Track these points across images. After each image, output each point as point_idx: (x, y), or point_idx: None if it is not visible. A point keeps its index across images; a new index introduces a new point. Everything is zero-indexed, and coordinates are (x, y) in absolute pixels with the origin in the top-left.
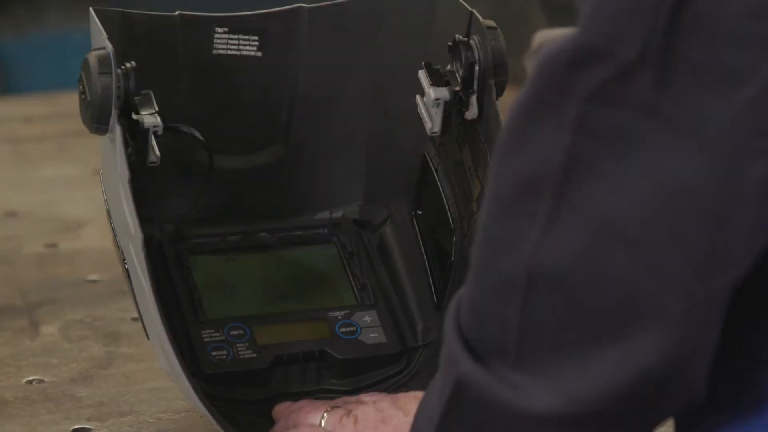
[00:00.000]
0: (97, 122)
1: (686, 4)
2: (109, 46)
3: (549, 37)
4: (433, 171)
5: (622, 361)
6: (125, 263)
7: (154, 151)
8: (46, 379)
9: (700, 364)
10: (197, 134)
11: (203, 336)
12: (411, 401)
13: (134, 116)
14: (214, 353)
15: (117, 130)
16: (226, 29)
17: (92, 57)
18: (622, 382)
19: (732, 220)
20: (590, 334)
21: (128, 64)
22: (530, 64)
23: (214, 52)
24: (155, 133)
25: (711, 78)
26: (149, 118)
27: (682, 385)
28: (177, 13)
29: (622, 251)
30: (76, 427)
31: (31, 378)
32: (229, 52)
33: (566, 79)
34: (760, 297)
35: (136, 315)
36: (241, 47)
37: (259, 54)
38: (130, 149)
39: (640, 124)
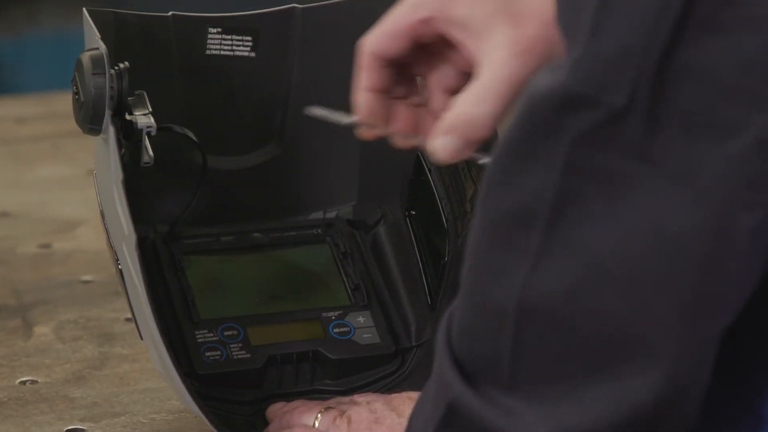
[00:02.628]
0: (90, 123)
1: (674, 53)
2: (103, 47)
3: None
4: (427, 171)
5: (616, 396)
6: (119, 264)
7: (147, 152)
8: (39, 380)
9: (694, 400)
10: (191, 134)
11: (197, 336)
12: (405, 402)
13: (128, 117)
14: (207, 353)
15: (110, 131)
16: (220, 29)
17: (85, 57)
18: (616, 417)
19: (723, 268)
20: (584, 367)
21: (122, 65)
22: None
23: (208, 52)
24: (149, 134)
25: (702, 127)
26: (143, 118)
27: (676, 419)
28: (170, 13)
29: (612, 290)
30: (70, 427)
31: (24, 378)
32: (222, 52)
33: (554, 122)
34: (759, 323)
35: (129, 315)
36: (234, 48)
37: (253, 54)
38: (123, 150)
39: (630, 168)
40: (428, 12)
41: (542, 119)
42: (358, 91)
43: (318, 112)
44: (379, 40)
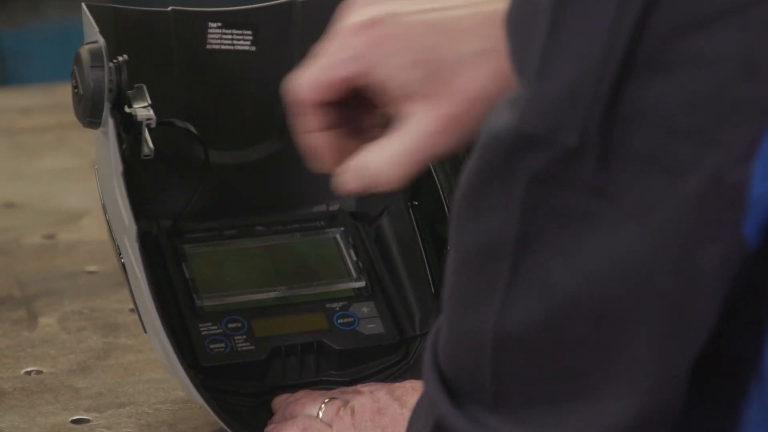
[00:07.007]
0: (89, 116)
1: (622, 94)
2: (101, 40)
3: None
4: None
5: (596, 420)
6: (121, 257)
7: (147, 144)
8: (44, 370)
9: (670, 422)
10: (192, 129)
11: (201, 329)
12: (408, 392)
13: (127, 109)
14: (212, 346)
15: (110, 124)
16: (220, 24)
17: (84, 51)
18: None
19: (689, 301)
20: (563, 391)
21: (120, 58)
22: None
23: (208, 47)
24: (148, 126)
25: (654, 166)
26: (142, 111)
27: None
28: (170, 8)
29: (582, 323)
30: (75, 417)
31: (29, 369)
32: (222, 47)
33: (509, 162)
34: (735, 353)
35: (134, 307)
36: (234, 42)
37: (253, 49)
38: (124, 144)
39: (587, 205)
40: (350, 71)
41: (497, 160)
42: (309, 135)
43: None
44: (310, 90)
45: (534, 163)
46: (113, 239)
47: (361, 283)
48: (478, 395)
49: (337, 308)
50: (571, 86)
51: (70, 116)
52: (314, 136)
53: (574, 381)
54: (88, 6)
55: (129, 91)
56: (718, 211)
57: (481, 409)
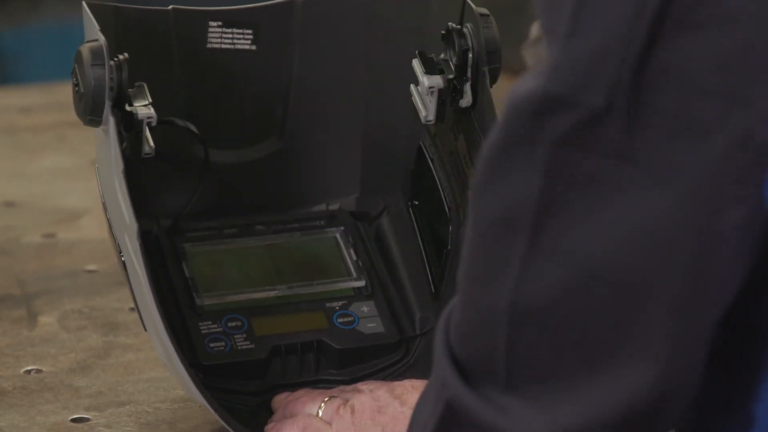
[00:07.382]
0: (90, 114)
1: (652, 54)
2: (102, 38)
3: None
4: (429, 161)
5: (612, 393)
6: (122, 256)
7: (148, 143)
8: (44, 369)
9: (687, 396)
10: (192, 128)
11: (201, 328)
12: (408, 390)
13: (128, 108)
14: (212, 345)
15: (110, 122)
16: (220, 23)
17: (85, 49)
18: (613, 412)
19: (711, 264)
20: (578, 364)
21: (121, 56)
22: (528, 55)
23: (208, 46)
24: (149, 125)
25: (681, 128)
26: (143, 109)
27: (670, 415)
28: (170, 7)
29: (602, 291)
30: (75, 416)
31: (29, 368)
32: (223, 46)
33: (535, 125)
34: (749, 326)
35: (134, 305)
36: (235, 41)
37: (254, 48)
38: (124, 142)
39: (611, 169)
40: None
41: (523, 123)
42: None
43: None
44: None
45: (559, 125)
46: (113, 237)
47: (361, 283)
48: (491, 375)
49: (337, 307)
50: (600, 46)
51: (70, 115)
52: None
53: (590, 352)
54: (88, 4)
55: (130, 90)
56: (745, 171)
57: (494, 389)
